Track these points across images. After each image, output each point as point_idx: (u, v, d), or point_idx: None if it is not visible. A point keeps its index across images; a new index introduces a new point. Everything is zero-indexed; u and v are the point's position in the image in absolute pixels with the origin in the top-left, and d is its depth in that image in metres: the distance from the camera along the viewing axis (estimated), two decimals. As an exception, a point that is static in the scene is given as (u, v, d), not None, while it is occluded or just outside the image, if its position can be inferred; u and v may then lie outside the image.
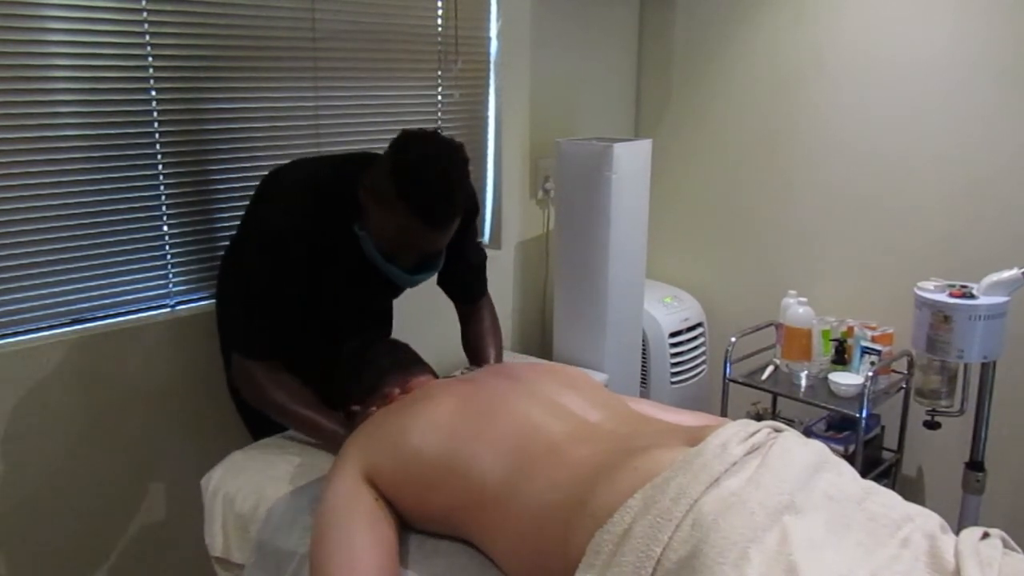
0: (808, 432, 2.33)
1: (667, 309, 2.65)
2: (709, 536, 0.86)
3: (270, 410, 1.50)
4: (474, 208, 1.69)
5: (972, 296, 1.88)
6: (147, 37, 1.70)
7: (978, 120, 2.21)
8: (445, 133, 2.27)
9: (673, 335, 2.61)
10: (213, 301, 1.89)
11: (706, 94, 2.77)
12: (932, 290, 1.94)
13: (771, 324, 2.49)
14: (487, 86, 2.45)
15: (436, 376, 1.61)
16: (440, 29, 2.28)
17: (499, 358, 1.74)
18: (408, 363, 1.53)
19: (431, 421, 1.20)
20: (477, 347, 1.75)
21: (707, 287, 2.85)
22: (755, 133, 2.66)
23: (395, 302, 1.88)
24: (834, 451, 1.42)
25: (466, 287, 1.79)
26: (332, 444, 1.44)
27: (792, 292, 2.36)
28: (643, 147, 2.37)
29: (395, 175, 1.34)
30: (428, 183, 1.34)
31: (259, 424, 1.70)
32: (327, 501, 1.17)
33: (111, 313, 1.76)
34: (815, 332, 2.32)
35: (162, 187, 1.78)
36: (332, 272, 1.52)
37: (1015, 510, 2.30)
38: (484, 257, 1.79)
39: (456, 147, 1.39)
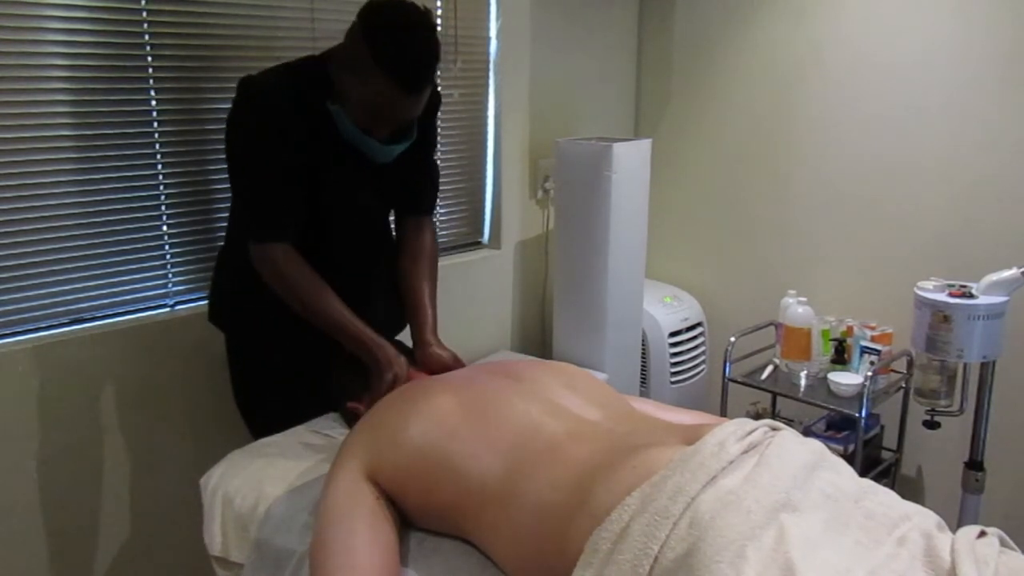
0: (808, 432, 2.33)
1: (667, 309, 2.65)
2: (706, 534, 0.86)
3: (295, 301, 1.49)
4: (437, 97, 1.68)
5: (972, 296, 1.88)
6: (147, 37, 1.71)
7: (978, 120, 2.21)
8: (445, 132, 2.26)
9: (673, 335, 2.61)
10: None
11: (706, 94, 2.77)
12: (932, 290, 1.94)
13: (771, 324, 2.49)
14: (487, 86, 2.45)
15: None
16: (440, 29, 2.28)
17: (432, 294, 1.67)
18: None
19: (431, 419, 1.20)
20: (414, 286, 1.67)
21: (707, 287, 2.85)
22: (755, 133, 2.66)
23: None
24: (833, 451, 1.43)
25: (416, 196, 1.74)
26: (362, 351, 1.46)
27: (792, 292, 2.37)
28: (643, 147, 2.38)
29: (368, 42, 1.36)
30: (402, 46, 1.36)
31: (260, 422, 1.70)
32: (328, 499, 1.17)
33: (111, 313, 1.76)
34: (815, 332, 2.33)
35: (162, 187, 1.78)
36: (316, 153, 1.51)
37: (1014, 509, 2.30)
38: (438, 172, 1.78)
39: (424, 12, 1.41)
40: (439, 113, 1.76)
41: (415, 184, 1.72)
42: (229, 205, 1.88)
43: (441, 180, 1.83)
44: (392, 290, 1.74)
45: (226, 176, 1.87)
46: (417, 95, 1.42)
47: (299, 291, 1.49)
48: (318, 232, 1.56)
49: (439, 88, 1.70)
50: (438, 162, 1.80)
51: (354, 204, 1.63)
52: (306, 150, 1.49)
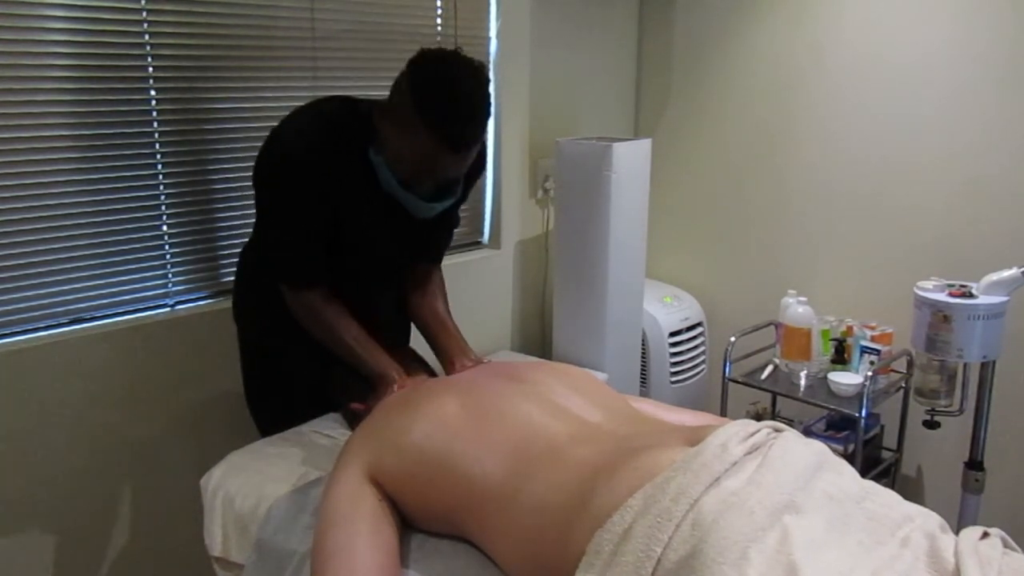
0: (808, 432, 2.34)
1: (667, 309, 2.65)
2: (709, 536, 0.86)
3: (326, 340, 1.51)
4: (483, 162, 1.65)
5: (971, 296, 1.88)
6: (147, 37, 1.70)
7: (978, 120, 2.21)
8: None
9: (673, 335, 2.61)
10: (213, 301, 1.89)
11: (706, 94, 2.77)
12: (932, 289, 1.94)
13: (771, 323, 2.49)
14: (487, 86, 2.45)
15: (434, 374, 1.61)
16: (440, 29, 2.28)
17: (450, 318, 1.69)
18: (407, 361, 1.54)
19: (433, 420, 1.20)
20: (436, 312, 1.69)
21: (707, 287, 2.85)
22: (755, 133, 2.66)
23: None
24: (834, 451, 1.42)
25: (436, 246, 1.72)
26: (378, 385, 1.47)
27: (792, 291, 2.36)
28: (643, 147, 2.38)
29: (415, 97, 1.29)
30: (450, 105, 1.29)
31: (266, 419, 1.70)
32: (330, 501, 1.17)
33: (111, 313, 1.76)
34: (815, 331, 2.32)
35: (161, 187, 1.78)
36: (348, 202, 1.47)
37: (1014, 510, 2.30)
38: (458, 224, 1.76)
39: (477, 66, 1.33)
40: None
41: (436, 236, 1.69)
42: (233, 205, 1.89)
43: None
44: (397, 311, 1.75)
45: (226, 176, 1.88)
46: (463, 154, 1.35)
47: (329, 332, 1.51)
48: (336, 268, 1.55)
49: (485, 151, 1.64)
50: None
51: (380, 250, 1.60)
52: (336, 198, 1.45)
